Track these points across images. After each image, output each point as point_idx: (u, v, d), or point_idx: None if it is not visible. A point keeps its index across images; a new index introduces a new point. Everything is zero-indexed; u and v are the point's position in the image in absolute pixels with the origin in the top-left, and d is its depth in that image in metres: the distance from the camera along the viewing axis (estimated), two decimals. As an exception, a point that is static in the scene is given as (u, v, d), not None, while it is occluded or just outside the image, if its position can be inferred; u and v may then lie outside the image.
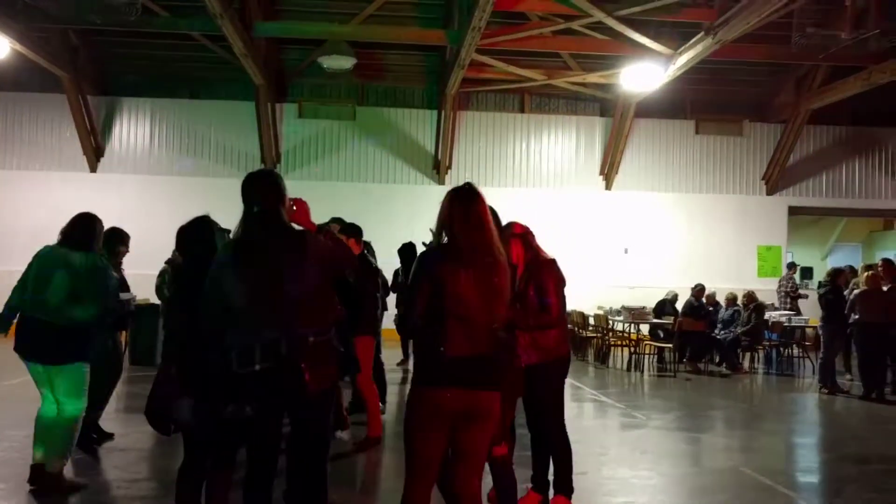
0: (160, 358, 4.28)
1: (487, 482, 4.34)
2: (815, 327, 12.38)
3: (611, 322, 12.81)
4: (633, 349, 12.35)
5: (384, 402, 7.57)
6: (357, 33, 13.90)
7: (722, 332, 12.64)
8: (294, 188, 13.51)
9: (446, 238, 3.55)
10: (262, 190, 3.72)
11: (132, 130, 16.09)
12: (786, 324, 12.82)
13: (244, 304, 3.59)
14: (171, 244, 12.18)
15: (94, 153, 15.78)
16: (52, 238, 5.26)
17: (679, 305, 13.03)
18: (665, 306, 12.94)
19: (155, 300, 11.19)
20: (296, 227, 3.83)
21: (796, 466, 6.98)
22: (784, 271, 15.80)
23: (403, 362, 11.78)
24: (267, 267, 3.60)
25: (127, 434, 6.68)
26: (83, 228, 5.20)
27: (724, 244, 16.63)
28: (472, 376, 3.44)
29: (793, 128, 16.36)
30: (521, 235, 4.98)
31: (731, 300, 13.09)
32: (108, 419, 6.94)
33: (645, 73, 13.57)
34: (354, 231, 6.55)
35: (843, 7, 11.71)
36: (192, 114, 16.10)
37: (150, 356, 10.66)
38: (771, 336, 13.03)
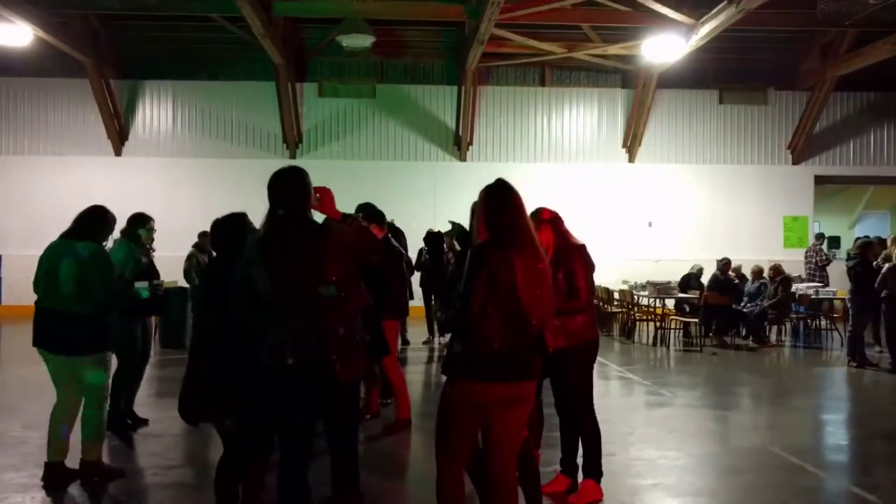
0: (189, 347, 4.35)
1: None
2: (843, 299, 12.26)
3: (636, 297, 12.78)
4: (658, 324, 12.33)
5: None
6: (375, 10, 13.82)
7: (748, 305, 12.58)
8: (315, 167, 13.63)
9: (486, 234, 3.57)
10: (287, 191, 3.77)
11: (155, 113, 16.20)
12: (813, 296, 12.72)
13: (272, 300, 3.66)
14: (195, 225, 12.54)
15: (119, 137, 15.91)
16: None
17: (704, 279, 12.95)
18: (690, 280, 12.87)
19: (183, 283, 11.40)
20: (320, 217, 3.89)
21: (824, 444, 6.97)
22: (811, 242, 15.65)
23: (429, 341, 11.87)
24: (292, 263, 3.66)
25: (161, 420, 6.79)
26: (90, 220, 5.23)
27: (750, 215, 16.48)
28: (517, 369, 3.52)
29: (819, 95, 16.09)
30: (550, 221, 5.02)
31: (758, 273, 13.01)
32: (142, 404, 7.09)
33: (667, 44, 13.39)
34: (377, 217, 6.56)
35: (870, -28, 11.44)
36: (214, 95, 16.16)
37: (179, 339, 10.80)
38: (798, 309, 12.94)
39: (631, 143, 16.45)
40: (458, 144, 16.25)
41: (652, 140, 16.50)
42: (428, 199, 15.39)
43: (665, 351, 11.89)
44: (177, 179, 15.81)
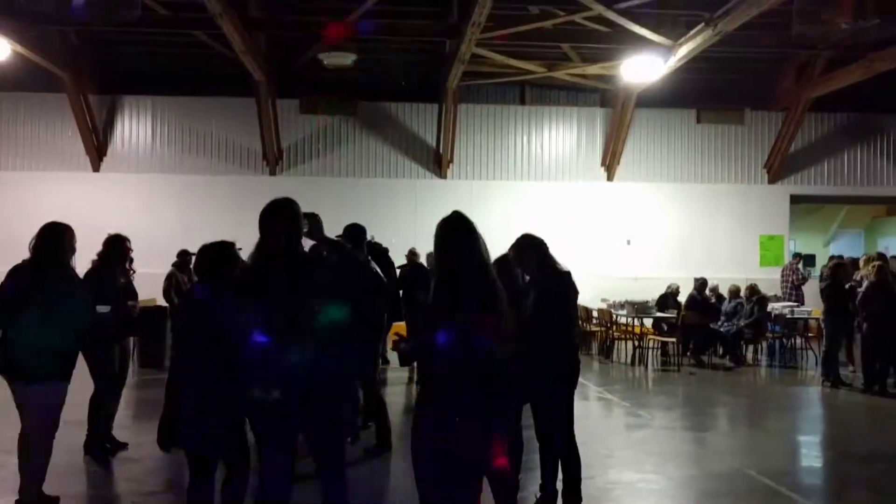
0: (169, 370, 4.39)
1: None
2: (817, 319, 12.44)
3: (614, 315, 12.87)
4: (637, 343, 12.42)
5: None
6: (356, 28, 13.86)
7: (725, 324, 12.72)
8: (296, 184, 13.64)
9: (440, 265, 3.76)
10: (277, 224, 3.80)
11: (134, 129, 16.11)
12: (788, 315, 12.88)
13: (262, 332, 3.67)
14: (175, 242, 12.46)
15: (97, 152, 15.80)
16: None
17: (681, 297, 13.08)
18: (667, 300, 13.00)
19: (162, 302, 11.32)
20: (308, 244, 3.94)
21: (800, 467, 7.07)
22: (786, 260, 15.86)
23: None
24: (280, 296, 3.68)
25: (141, 444, 6.70)
26: (51, 243, 4.95)
27: (727, 234, 16.67)
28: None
29: (794, 116, 16.34)
30: (535, 247, 5.10)
31: (734, 292, 13.16)
32: (121, 427, 7.01)
33: (645, 65, 13.53)
34: (356, 240, 6.56)
35: (843, -4, 11.66)
36: (194, 111, 16.11)
37: (158, 359, 10.72)
38: (774, 328, 13.10)
39: (610, 162, 16.60)
40: (439, 162, 16.32)
41: (630, 159, 16.66)
42: (408, 217, 15.41)
43: (643, 370, 11.99)
44: (156, 196, 15.71)
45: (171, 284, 10.81)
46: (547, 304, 4.96)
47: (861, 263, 11.65)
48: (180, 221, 15.22)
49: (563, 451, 5.09)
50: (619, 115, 16.14)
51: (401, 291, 11.10)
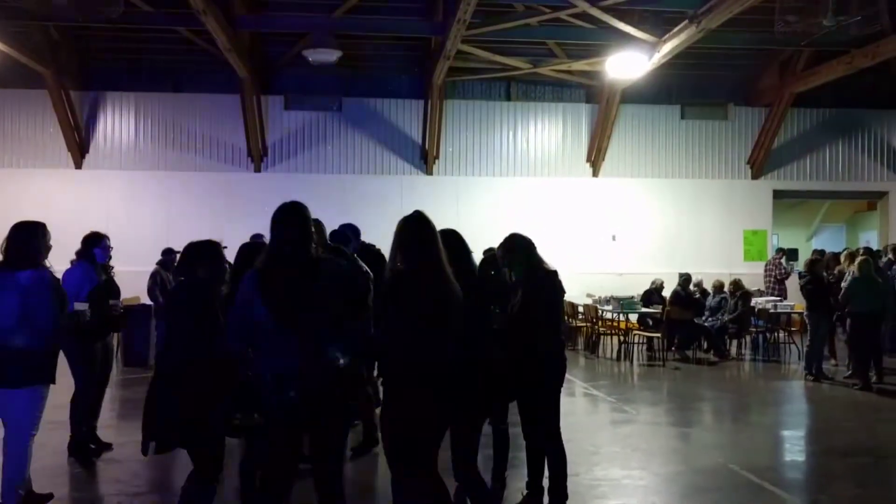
0: (154, 363, 4.43)
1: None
2: (800, 313, 12.55)
3: (600, 311, 12.93)
4: (622, 338, 12.48)
5: None
6: (341, 25, 13.83)
7: (709, 319, 12.80)
8: (281, 181, 13.56)
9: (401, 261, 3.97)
10: (290, 226, 3.84)
11: (116, 125, 15.97)
12: (771, 310, 12.99)
13: (273, 333, 3.72)
14: (158, 239, 12.40)
15: (79, 149, 15.65)
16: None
17: (665, 293, 13.15)
18: (652, 296, 13.06)
19: (146, 300, 11.26)
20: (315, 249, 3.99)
21: (783, 461, 7.14)
22: (769, 255, 15.98)
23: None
24: (292, 297, 3.74)
25: (125, 444, 6.69)
26: (22, 243, 4.83)
27: (711, 229, 16.77)
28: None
29: (777, 111, 16.45)
30: (523, 247, 5.12)
31: (718, 287, 13.25)
32: (105, 427, 6.99)
33: (630, 61, 13.61)
34: (343, 243, 6.53)
35: (825, -7, 11.75)
36: (177, 107, 15.99)
37: (142, 358, 10.66)
38: (757, 322, 13.20)
39: (595, 158, 16.65)
40: (425, 158, 16.30)
41: (615, 154, 16.71)
42: (394, 213, 14.93)
43: (629, 365, 12.05)
44: (139, 192, 15.59)
45: (156, 283, 10.75)
46: (533, 303, 4.99)
47: (842, 258, 11.74)
48: (164, 219, 15.14)
49: (548, 448, 5.11)
50: (604, 111, 16.19)
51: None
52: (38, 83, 14.89)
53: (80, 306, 5.71)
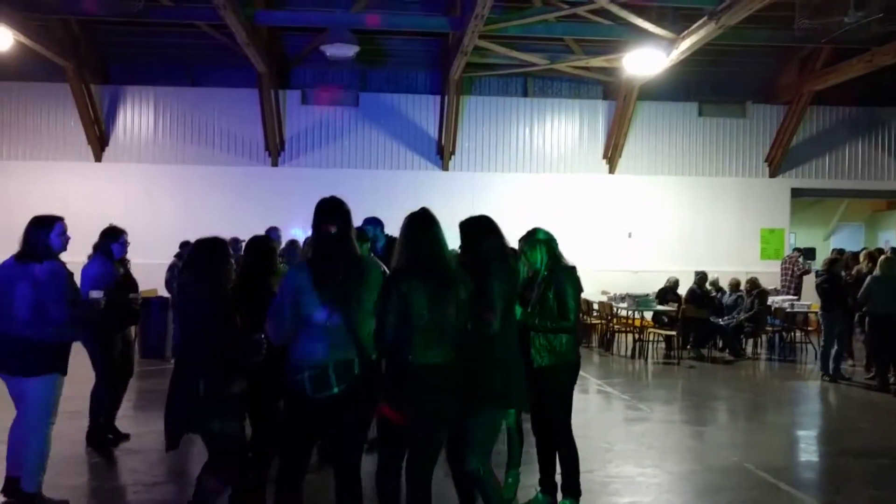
0: (171, 354, 4.49)
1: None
2: (816, 312, 12.45)
3: (615, 308, 12.90)
4: (637, 336, 12.45)
5: None
6: (359, 20, 13.86)
7: (725, 318, 12.75)
8: (298, 175, 13.60)
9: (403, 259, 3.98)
10: (335, 218, 3.92)
11: (136, 119, 16.09)
12: (788, 309, 12.91)
13: (321, 325, 3.77)
14: (176, 232, 12.48)
15: (99, 142, 15.79)
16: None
17: (681, 291, 13.10)
18: (667, 294, 13.02)
19: (163, 292, 11.38)
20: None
21: (798, 461, 7.11)
22: (786, 253, 15.86)
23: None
24: (342, 290, 3.80)
25: (143, 434, 6.78)
26: (38, 236, 4.94)
27: (728, 227, 16.68)
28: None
29: (796, 109, 16.32)
30: (545, 241, 5.15)
31: (735, 286, 13.19)
32: (123, 417, 7.07)
33: (648, 58, 13.51)
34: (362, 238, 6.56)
35: (846, -10, 11.65)
36: (196, 102, 16.09)
37: (160, 350, 10.76)
38: (774, 321, 13.13)
39: (612, 155, 16.59)
40: (441, 154, 16.31)
41: (632, 152, 16.65)
42: (410, 209, 15.12)
43: (643, 363, 12.02)
44: (157, 186, 15.72)
45: (174, 275, 10.84)
46: (552, 299, 5.01)
47: (861, 258, 11.65)
48: (182, 212, 15.25)
49: (561, 445, 5.13)
50: (621, 108, 16.13)
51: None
52: (60, 77, 15.04)
53: (95, 294, 5.75)
